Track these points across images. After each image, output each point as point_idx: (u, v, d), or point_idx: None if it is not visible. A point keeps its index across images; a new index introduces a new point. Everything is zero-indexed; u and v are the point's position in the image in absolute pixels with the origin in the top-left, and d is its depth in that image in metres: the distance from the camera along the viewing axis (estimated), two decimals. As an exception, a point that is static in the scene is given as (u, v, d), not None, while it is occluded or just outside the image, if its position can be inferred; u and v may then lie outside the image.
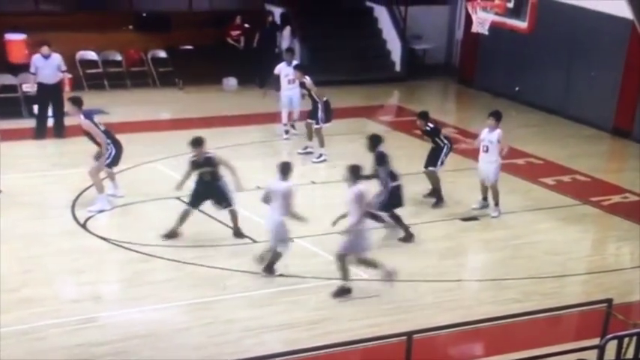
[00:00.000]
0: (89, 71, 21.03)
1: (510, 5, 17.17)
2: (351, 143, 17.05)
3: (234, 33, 22.45)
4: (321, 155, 16.63)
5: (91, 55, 21.26)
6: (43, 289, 11.13)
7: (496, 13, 17.18)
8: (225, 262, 12.11)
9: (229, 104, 20.35)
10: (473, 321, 9.76)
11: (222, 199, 12.91)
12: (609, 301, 9.38)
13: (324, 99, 16.71)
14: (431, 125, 14.65)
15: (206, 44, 21.99)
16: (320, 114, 16.61)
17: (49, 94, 17.26)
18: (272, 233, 11.67)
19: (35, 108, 17.76)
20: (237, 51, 22.30)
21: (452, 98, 23.94)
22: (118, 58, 21.50)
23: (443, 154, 14.51)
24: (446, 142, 14.58)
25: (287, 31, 22.48)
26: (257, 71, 21.47)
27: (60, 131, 17.29)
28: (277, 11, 23.19)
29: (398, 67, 23.69)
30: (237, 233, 13.08)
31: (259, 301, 11.18)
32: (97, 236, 12.79)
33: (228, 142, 16.93)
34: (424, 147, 15.09)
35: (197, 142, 12.77)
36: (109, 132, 14.04)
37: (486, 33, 17.42)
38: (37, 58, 17.18)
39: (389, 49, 23.87)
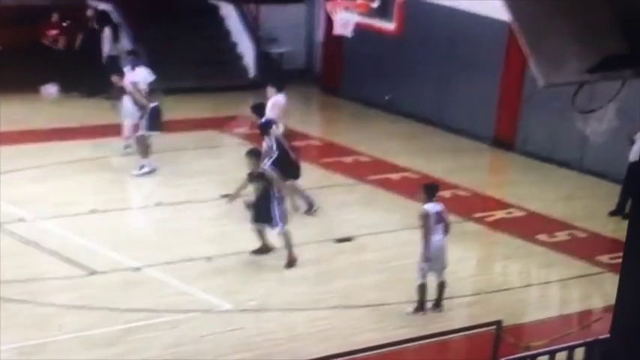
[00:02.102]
0: None
1: (375, 5, 17.56)
2: (199, 159, 16.96)
3: (51, 32, 21.89)
4: (142, 166, 16.46)
5: None
6: None
7: (360, 14, 17.52)
8: (57, 297, 11.82)
9: (50, 116, 19.73)
10: (352, 351, 9.82)
11: (268, 218, 13.06)
12: (498, 323, 9.73)
13: (153, 104, 16.57)
14: (264, 120, 14.92)
15: (16, 45, 20.99)
16: (144, 121, 16.47)
17: None
18: None
19: None
20: (57, 53, 21.75)
21: (315, 108, 23.99)
22: None
23: (270, 160, 14.33)
24: (275, 146, 14.62)
25: (107, 33, 21.88)
26: (82, 78, 21.03)
27: None
28: (104, 7, 22.57)
29: (252, 73, 23.64)
30: (291, 261, 13.22)
31: (103, 341, 10.95)
32: None
33: (50, 159, 16.69)
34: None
35: (253, 154, 13.30)
36: None
37: (349, 35, 17.72)
38: None
39: (240, 52, 23.82)
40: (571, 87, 7.12)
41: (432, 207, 12.09)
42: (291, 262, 13.32)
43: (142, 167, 16.42)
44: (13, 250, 13.04)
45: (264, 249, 13.40)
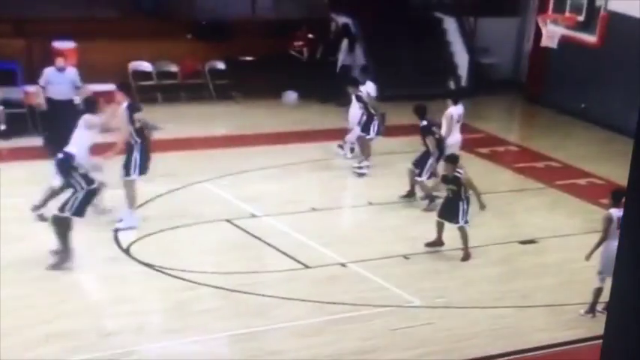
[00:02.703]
0: (142, 83, 20.42)
1: (581, 19, 17.06)
2: (409, 163, 17.01)
3: (297, 43, 21.98)
4: (361, 167, 16.58)
5: (145, 65, 20.75)
6: (78, 321, 10.70)
7: (566, 27, 17.08)
8: (274, 289, 12.01)
9: (287, 120, 19.95)
10: (529, 349, 9.95)
11: (454, 215, 13.18)
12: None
13: (380, 112, 16.79)
14: (424, 123, 14.93)
15: (267, 55, 21.31)
16: (373, 126, 16.62)
17: (60, 111, 16.04)
18: None
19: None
20: (299, 63, 21.75)
21: (517, 116, 23.42)
22: (174, 69, 21.01)
23: (429, 162, 14.85)
24: (432, 149, 14.84)
25: (344, 44, 21.94)
26: (319, 86, 21.06)
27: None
28: (343, 21, 22.69)
29: (464, 82, 23.20)
30: (466, 255, 13.32)
31: (308, 331, 11.05)
32: (141, 262, 12.42)
33: (282, 160, 16.98)
34: (484, 166, 14.95)
35: (452, 159, 13.39)
36: None
37: (555, 47, 17.33)
38: (49, 72, 16.20)
39: (456, 62, 23.46)
40: None
41: (617, 212, 11.52)
42: (465, 257, 13.25)
43: (361, 167, 16.55)
44: (241, 243, 13.42)
45: (438, 242, 13.39)
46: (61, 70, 16.33)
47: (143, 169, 13.46)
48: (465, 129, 20.50)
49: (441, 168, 14.04)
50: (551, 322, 11.67)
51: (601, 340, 10.35)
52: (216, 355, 10.56)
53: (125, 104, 13.34)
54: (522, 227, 14.45)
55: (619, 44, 19.04)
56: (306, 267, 12.75)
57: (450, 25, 23.67)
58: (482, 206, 13.20)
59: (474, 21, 23.66)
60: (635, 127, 18.15)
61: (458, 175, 13.16)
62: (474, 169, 16.08)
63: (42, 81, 16.37)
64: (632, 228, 4.28)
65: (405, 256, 13.23)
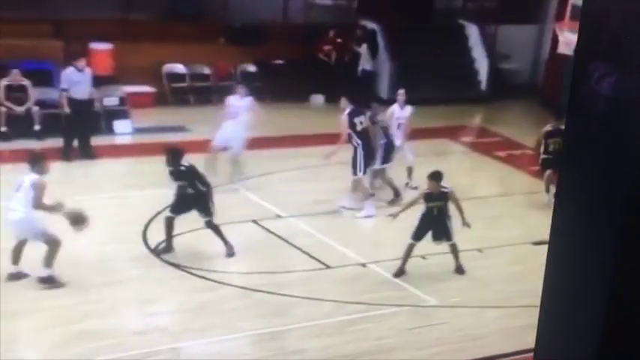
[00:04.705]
0: (175, 85, 20.63)
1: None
2: (429, 165, 16.87)
3: (326, 48, 21.97)
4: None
5: (179, 67, 20.83)
6: (105, 321, 10.64)
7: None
8: (296, 288, 12.00)
9: (314, 123, 19.86)
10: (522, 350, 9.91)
11: (445, 232, 12.60)
12: None
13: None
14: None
15: (297, 59, 21.38)
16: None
17: (82, 110, 16.42)
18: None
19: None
20: (328, 67, 21.72)
21: (533, 119, 22.53)
22: (207, 71, 21.09)
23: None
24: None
25: (364, 49, 21.86)
26: (344, 90, 20.66)
27: (89, 151, 16.60)
28: (372, 26, 22.75)
29: (484, 87, 23.27)
30: (459, 269, 12.86)
31: (327, 330, 10.99)
32: (168, 262, 12.44)
33: (310, 162, 16.99)
34: (501, 169, 14.84)
35: (437, 176, 12.50)
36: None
37: (571, 54, 17.32)
38: (70, 72, 16.34)
39: (477, 67, 23.54)
40: None
41: None
42: (459, 269, 12.89)
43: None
44: (265, 244, 13.48)
45: (403, 270, 12.70)
46: (81, 69, 16.43)
47: (367, 167, 14.55)
48: (482, 133, 20.70)
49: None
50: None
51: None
52: (238, 354, 10.54)
53: (347, 110, 14.33)
54: (536, 228, 14.36)
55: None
56: (328, 267, 12.74)
57: (472, 31, 23.64)
58: (466, 223, 12.55)
59: (495, 28, 23.51)
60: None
61: (445, 190, 12.56)
62: (491, 172, 16.08)
63: (64, 83, 16.44)
64: (560, 230, 4.09)
65: (423, 257, 13.18)
